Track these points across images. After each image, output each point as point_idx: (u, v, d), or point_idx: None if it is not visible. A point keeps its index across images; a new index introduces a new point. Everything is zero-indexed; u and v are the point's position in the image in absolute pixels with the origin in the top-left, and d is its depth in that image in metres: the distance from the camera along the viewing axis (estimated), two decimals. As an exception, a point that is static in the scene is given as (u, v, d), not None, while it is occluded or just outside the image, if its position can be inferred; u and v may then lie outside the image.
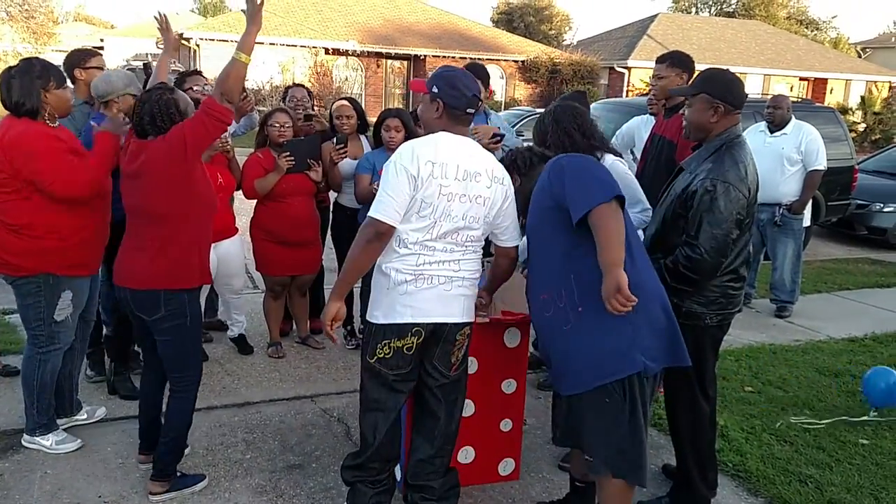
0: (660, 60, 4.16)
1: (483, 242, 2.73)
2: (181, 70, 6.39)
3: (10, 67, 3.18)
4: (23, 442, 3.45)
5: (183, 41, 23.89)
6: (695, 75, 3.38)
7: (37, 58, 3.30)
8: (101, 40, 35.78)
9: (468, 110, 2.65)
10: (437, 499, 2.78)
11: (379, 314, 2.62)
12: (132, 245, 3.01)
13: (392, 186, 2.51)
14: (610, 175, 2.43)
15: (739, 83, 2.93)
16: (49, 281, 3.23)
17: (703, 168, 2.82)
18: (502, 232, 2.75)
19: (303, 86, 5.21)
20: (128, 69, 16.78)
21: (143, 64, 4.20)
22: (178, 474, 3.18)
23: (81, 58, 3.93)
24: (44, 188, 3.09)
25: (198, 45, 23.23)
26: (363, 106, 5.24)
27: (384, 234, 2.53)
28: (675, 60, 4.10)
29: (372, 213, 2.52)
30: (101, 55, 4.02)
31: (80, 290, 3.37)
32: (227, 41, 23.15)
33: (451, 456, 2.86)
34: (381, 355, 2.61)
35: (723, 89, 2.87)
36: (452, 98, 2.62)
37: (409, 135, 4.26)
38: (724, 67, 3.10)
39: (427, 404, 2.77)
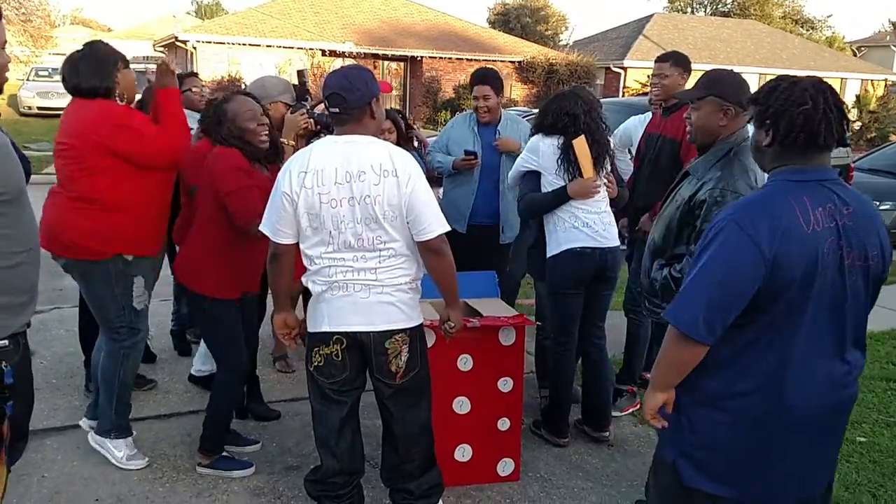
0: (661, 59, 4.14)
1: (403, 247, 2.53)
2: (178, 72, 6.29)
3: (74, 53, 3.20)
4: (91, 441, 3.38)
5: (179, 43, 23.86)
6: (692, 76, 3.37)
7: (100, 41, 3.32)
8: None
9: (331, 109, 2.53)
10: (416, 498, 2.76)
11: (309, 322, 2.65)
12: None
13: (272, 204, 2.57)
14: (729, 288, 1.90)
15: (746, 84, 2.85)
16: (119, 266, 3.22)
17: (712, 176, 2.70)
18: (412, 225, 2.51)
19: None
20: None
21: (298, 71, 3.91)
22: (225, 455, 3.38)
23: None
24: (134, 160, 3.14)
25: (194, 48, 23.21)
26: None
27: (281, 254, 2.62)
28: (678, 60, 4.11)
29: (261, 227, 2.61)
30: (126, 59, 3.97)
31: (149, 274, 3.38)
32: (223, 43, 23.15)
33: (426, 459, 2.78)
34: (316, 363, 2.61)
35: (732, 91, 2.76)
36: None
37: (400, 134, 4.33)
38: (728, 68, 3.02)
39: (384, 414, 2.73)
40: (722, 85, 2.79)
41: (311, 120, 3.57)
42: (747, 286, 1.88)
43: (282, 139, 3.54)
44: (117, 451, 3.33)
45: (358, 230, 2.47)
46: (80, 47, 3.27)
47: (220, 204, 3.08)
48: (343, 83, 2.50)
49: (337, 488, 2.71)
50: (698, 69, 3.34)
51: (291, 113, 3.58)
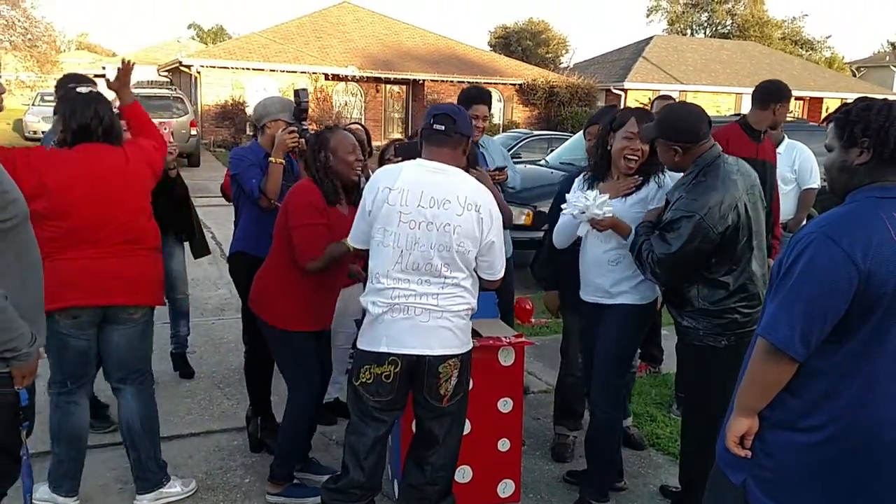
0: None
1: (466, 280, 2.63)
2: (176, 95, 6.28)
3: (87, 96, 3.03)
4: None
5: (183, 68, 24.10)
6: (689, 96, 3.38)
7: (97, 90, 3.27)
8: (103, 68, 35.92)
9: (436, 126, 2.62)
10: None
11: (363, 340, 2.69)
12: None
13: (357, 213, 2.71)
14: (825, 302, 1.85)
15: (692, 116, 2.92)
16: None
17: (676, 196, 2.91)
18: (483, 266, 2.68)
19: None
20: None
21: (296, 91, 3.88)
22: (297, 483, 3.33)
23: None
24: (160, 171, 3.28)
25: (198, 73, 23.44)
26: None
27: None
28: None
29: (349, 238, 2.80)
30: (94, 82, 3.77)
31: None
32: (227, 68, 23.38)
33: (447, 485, 2.82)
34: (364, 380, 2.64)
35: (674, 131, 2.90)
36: (423, 121, 2.72)
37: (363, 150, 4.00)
38: (676, 98, 3.10)
39: (421, 433, 2.77)
40: (663, 126, 2.95)
41: (302, 139, 3.60)
42: (842, 300, 1.84)
43: (270, 157, 3.59)
44: (172, 488, 3.26)
45: (429, 254, 2.53)
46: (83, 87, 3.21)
47: (289, 236, 3.08)
48: (454, 109, 2.68)
49: (354, 499, 2.75)
50: (698, 90, 3.39)
51: (289, 132, 3.62)
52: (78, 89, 3.09)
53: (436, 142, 2.63)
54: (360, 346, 2.70)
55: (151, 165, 3.18)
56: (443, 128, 2.60)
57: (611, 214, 3.04)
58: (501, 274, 2.74)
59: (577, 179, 3.48)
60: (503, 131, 20.69)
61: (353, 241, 2.78)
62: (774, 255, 4.37)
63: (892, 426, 1.91)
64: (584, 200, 3.04)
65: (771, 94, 4.38)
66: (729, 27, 46.15)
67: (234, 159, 3.75)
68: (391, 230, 2.54)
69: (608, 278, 3.22)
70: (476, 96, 4.29)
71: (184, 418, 4.14)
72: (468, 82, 26.01)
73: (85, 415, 3.14)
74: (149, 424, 3.22)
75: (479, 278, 2.73)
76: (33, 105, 22.94)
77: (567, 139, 11.39)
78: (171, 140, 4.16)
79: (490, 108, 4.33)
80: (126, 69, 3.32)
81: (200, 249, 4.76)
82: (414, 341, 2.58)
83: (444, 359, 2.61)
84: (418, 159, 2.66)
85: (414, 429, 2.90)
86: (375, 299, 2.61)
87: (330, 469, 3.50)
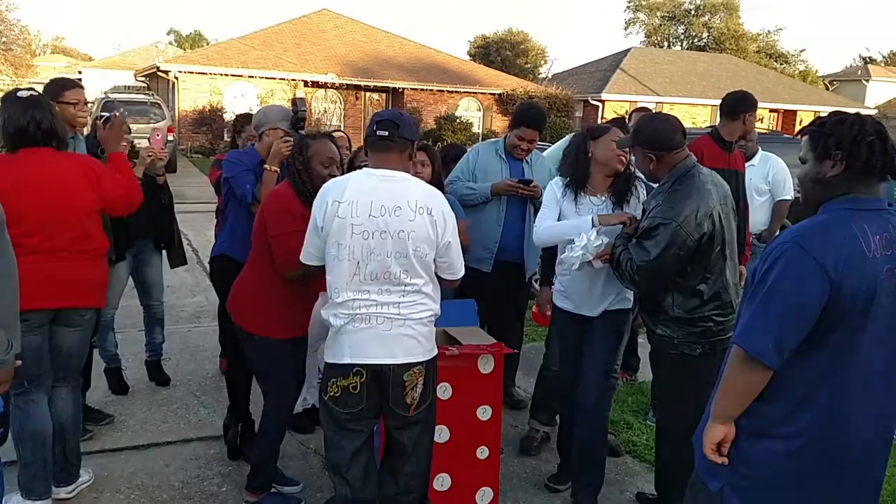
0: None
1: (427, 286, 2.61)
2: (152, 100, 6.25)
3: (25, 100, 3.00)
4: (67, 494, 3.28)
5: (161, 73, 23.94)
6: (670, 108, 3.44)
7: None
8: (79, 72, 35.65)
9: (380, 132, 2.58)
10: None
11: (328, 353, 2.67)
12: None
13: (309, 229, 2.65)
14: (798, 310, 1.90)
15: (667, 126, 2.99)
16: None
17: (653, 204, 2.97)
18: (442, 266, 2.67)
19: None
20: (105, 101, 16.70)
21: (293, 99, 3.82)
22: (274, 492, 3.34)
23: (56, 91, 3.56)
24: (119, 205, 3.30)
25: (176, 78, 23.30)
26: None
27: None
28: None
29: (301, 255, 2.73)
30: (82, 87, 3.80)
31: None
32: (204, 74, 23.26)
33: (422, 493, 2.81)
34: (332, 393, 2.62)
35: (649, 140, 2.97)
36: (367, 129, 2.68)
37: (437, 169, 3.86)
38: (653, 110, 3.18)
39: (391, 443, 2.76)
40: (640, 135, 3.02)
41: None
42: (814, 309, 1.88)
43: (265, 165, 3.58)
44: (83, 476, 3.36)
45: (387, 263, 2.51)
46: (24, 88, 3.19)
47: (268, 243, 3.06)
48: (396, 115, 2.65)
49: None
50: (675, 102, 3.45)
51: (284, 141, 3.61)
52: (18, 94, 3.05)
53: (380, 148, 2.60)
54: (326, 359, 2.68)
55: (100, 179, 3.13)
56: (386, 133, 2.58)
57: (608, 241, 3.13)
58: (462, 272, 2.72)
59: (553, 182, 3.52)
60: (482, 140, 20.76)
61: (305, 258, 2.68)
62: (745, 263, 4.45)
63: (865, 433, 1.97)
64: (584, 241, 3.10)
65: (739, 104, 4.48)
66: (705, 40, 46.80)
67: (228, 162, 3.74)
68: (345, 243, 2.51)
69: (598, 291, 3.31)
70: (526, 118, 4.10)
71: (160, 426, 4.09)
72: (447, 91, 26.17)
73: (45, 412, 3.11)
74: (78, 420, 3.33)
75: (440, 279, 2.71)
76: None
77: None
78: (163, 147, 4.17)
79: (541, 133, 4.11)
80: (118, 125, 3.42)
81: (177, 258, 4.74)
82: (376, 350, 2.56)
83: (408, 367, 2.59)
84: (365, 168, 2.66)
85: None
86: (337, 311, 2.59)
87: (293, 480, 3.49)
